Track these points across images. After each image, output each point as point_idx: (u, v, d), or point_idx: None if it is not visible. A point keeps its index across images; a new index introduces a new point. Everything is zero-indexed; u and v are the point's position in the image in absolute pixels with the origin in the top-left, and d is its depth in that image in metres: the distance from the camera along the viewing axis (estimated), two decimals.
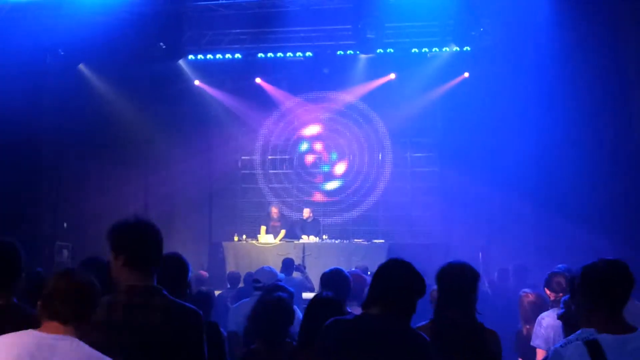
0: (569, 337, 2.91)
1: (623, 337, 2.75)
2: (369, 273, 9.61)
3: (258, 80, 14.14)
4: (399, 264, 3.36)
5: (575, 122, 10.90)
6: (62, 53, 11.85)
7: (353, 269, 7.11)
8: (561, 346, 2.85)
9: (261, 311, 4.12)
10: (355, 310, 4.56)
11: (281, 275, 6.08)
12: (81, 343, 2.54)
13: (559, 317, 3.85)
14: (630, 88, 10.74)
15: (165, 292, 2.99)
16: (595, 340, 2.76)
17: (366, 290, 3.46)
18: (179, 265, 3.63)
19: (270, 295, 4.32)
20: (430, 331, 3.55)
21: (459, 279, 3.68)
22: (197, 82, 14.17)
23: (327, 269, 5.04)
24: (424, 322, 3.71)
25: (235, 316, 5.25)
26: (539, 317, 4.79)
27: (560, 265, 5.45)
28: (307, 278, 9.85)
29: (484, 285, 9.53)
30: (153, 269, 3.01)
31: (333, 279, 4.69)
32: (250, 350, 4.10)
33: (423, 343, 3.17)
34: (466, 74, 13.26)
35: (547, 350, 4.30)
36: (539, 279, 5.63)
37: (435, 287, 4.69)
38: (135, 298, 2.93)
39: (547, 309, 4.95)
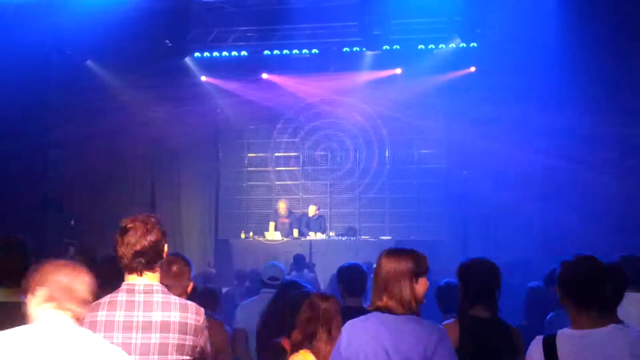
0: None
1: (584, 332, 2.75)
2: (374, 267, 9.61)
3: (265, 75, 14.11)
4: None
5: (582, 117, 10.86)
6: (69, 52, 11.88)
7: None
8: None
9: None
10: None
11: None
12: None
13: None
14: (639, 81, 10.69)
15: (165, 290, 3.00)
16: (553, 336, 2.79)
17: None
18: (179, 265, 3.62)
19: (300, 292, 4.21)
20: (456, 329, 3.55)
21: (484, 276, 3.66)
22: (203, 78, 14.17)
23: (333, 265, 5.03)
24: (448, 321, 3.68)
25: (243, 314, 5.23)
26: (548, 317, 4.77)
27: None
28: (314, 276, 9.83)
29: None
30: (152, 267, 3.00)
31: (350, 274, 4.64)
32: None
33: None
34: (472, 68, 13.21)
35: None
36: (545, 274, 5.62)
37: (441, 283, 4.68)
38: (135, 296, 2.94)
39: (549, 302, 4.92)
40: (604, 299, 2.79)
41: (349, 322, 3.19)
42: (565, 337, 2.76)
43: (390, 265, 3.12)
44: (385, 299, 3.08)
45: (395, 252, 3.20)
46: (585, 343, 2.71)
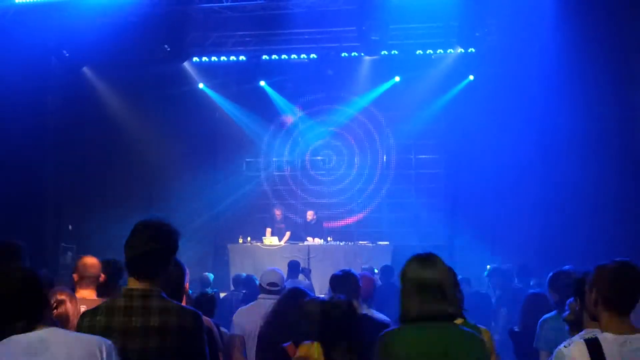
0: (573, 337, 2.93)
1: (625, 337, 2.76)
2: (375, 271, 9.64)
3: (262, 83, 14.18)
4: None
5: (581, 124, 10.86)
6: (67, 54, 11.88)
7: (361, 271, 6.97)
8: (565, 346, 2.86)
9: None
10: (365, 311, 4.57)
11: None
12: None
13: (565, 318, 3.84)
14: (637, 89, 10.70)
15: (164, 295, 2.99)
16: (596, 339, 2.78)
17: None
18: (174, 270, 3.60)
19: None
20: None
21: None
22: (201, 86, 14.21)
23: (331, 270, 5.02)
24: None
25: (241, 319, 5.22)
26: (541, 320, 4.77)
27: (566, 267, 5.43)
28: (310, 283, 9.77)
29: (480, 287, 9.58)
30: (154, 274, 3.00)
31: (343, 281, 4.64)
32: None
33: None
34: (471, 77, 13.25)
35: (550, 352, 4.27)
36: (543, 279, 5.61)
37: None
38: (134, 301, 2.94)
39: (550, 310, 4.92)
40: (634, 305, 2.81)
41: (393, 332, 3.03)
42: (609, 340, 2.78)
43: (426, 272, 3.02)
44: (425, 306, 2.96)
45: (426, 257, 3.11)
46: (629, 348, 2.73)
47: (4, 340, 2.51)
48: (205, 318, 3.29)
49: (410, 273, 3.04)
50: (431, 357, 2.86)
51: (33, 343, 2.47)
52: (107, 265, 4.93)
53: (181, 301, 3.34)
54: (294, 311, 4.14)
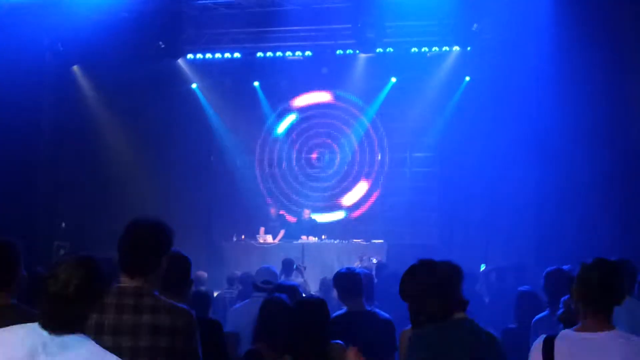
0: None
1: (586, 334, 2.77)
2: (374, 261, 9.65)
3: (256, 83, 14.19)
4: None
5: (576, 121, 10.87)
6: (62, 48, 11.82)
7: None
8: None
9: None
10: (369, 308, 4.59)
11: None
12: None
13: (559, 317, 3.83)
14: (632, 86, 10.70)
15: (156, 293, 2.97)
16: (554, 335, 2.81)
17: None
18: (179, 262, 3.57)
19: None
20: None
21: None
22: (194, 86, 14.19)
23: (326, 269, 5.03)
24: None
25: (235, 317, 5.22)
26: (534, 320, 4.77)
27: (565, 266, 5.43)
28: (304, 281, 9.76)
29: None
30: (146, 272, 2.98)
31: (347, 279, 4.64)
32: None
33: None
34: (467, 78, 13.26)
35: None
36: (538, 278, 5.61)
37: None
38: (125, 299, 2.92)
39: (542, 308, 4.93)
40: (613, 305, 2.79)
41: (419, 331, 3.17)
42: (566, 337, 2.79)
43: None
44: (440, 306, 3.17)
45: (429, 261, 3.28)
46: (584, 345, 2.74)
47: (29, 324, 2.28)
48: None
49: (424, 278, 3.21)
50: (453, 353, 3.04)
51: (44, 345, 2.23)
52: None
53: (184, 295, 3.33)
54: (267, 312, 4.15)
